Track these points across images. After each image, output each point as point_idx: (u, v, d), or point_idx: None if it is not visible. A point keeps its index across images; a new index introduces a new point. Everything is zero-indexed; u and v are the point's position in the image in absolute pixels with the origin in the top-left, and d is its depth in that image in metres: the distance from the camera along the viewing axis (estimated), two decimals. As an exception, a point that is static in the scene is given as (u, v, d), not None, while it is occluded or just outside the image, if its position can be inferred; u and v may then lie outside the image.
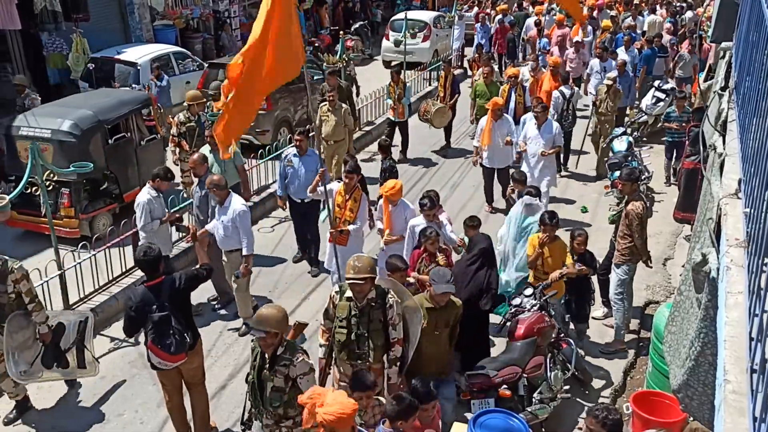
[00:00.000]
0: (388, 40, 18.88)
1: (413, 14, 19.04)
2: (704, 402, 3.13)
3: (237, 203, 7.01)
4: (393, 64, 17.59)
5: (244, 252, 6.96)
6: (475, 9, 21.03)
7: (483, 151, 9.97)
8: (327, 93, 10.43)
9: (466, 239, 6.75)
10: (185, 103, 9.88)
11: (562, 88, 11.38)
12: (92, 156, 8.75)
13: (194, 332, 5.47)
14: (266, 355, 4.60)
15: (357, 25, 20.64)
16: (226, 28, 18.64)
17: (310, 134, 8.99)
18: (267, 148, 10.72)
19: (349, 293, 5.04)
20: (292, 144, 8.75)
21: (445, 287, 5.22)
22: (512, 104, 11.30)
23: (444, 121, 12.54)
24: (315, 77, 12.44)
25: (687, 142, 9.91)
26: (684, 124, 10.38)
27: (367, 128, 13.64)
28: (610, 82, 11.78)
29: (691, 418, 4.13)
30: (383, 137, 9.92)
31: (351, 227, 7.05)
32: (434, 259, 6.29)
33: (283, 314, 4.62)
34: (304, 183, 8.05)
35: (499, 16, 18.79)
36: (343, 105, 10.49)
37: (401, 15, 18.23)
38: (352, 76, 13.51)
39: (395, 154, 11.60)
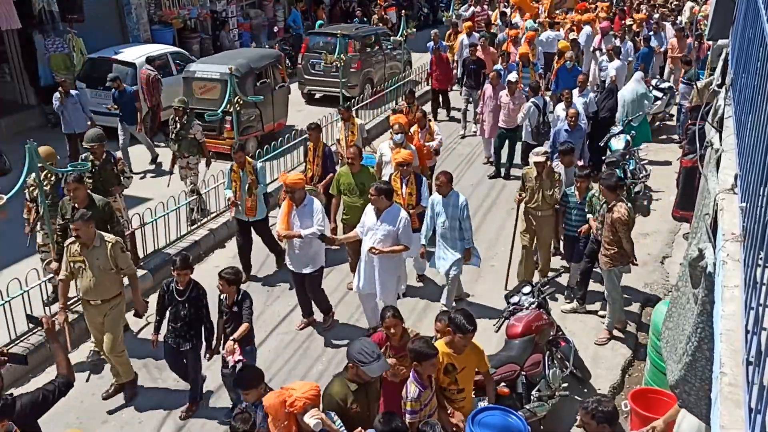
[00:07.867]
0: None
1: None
2: (701, 397, 3.13)
3: None
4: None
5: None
6: (472, 9, 19.54)
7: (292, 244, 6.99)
8: (73, 224, 5.85)
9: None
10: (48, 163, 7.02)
11: (534, 99, 10.69)
12: (247, 93, 10.80)
13: None
14: None
15: (355, 25, 20.61)
16: (225, 27, 18.64)
17: None
18: (353, 99, 13.26)
19: None
20: None
21: (377, 366, 4.45)
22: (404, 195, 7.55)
23: None
24: (388, 47, 16.39)
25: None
26: (589, 219, 7.31)
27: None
28: (540, 159, 7.64)
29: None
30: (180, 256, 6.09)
31: None
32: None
33: None
34: None
35: (462, 38, 15.36)
36: (106, 236, 5.99)
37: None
38: (199, 141, 9.43)
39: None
